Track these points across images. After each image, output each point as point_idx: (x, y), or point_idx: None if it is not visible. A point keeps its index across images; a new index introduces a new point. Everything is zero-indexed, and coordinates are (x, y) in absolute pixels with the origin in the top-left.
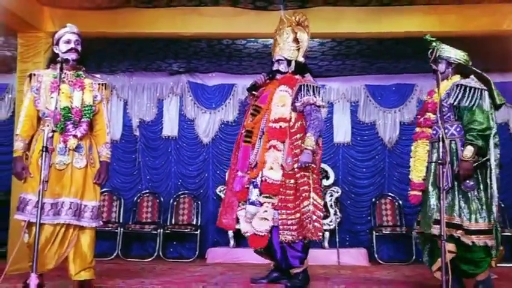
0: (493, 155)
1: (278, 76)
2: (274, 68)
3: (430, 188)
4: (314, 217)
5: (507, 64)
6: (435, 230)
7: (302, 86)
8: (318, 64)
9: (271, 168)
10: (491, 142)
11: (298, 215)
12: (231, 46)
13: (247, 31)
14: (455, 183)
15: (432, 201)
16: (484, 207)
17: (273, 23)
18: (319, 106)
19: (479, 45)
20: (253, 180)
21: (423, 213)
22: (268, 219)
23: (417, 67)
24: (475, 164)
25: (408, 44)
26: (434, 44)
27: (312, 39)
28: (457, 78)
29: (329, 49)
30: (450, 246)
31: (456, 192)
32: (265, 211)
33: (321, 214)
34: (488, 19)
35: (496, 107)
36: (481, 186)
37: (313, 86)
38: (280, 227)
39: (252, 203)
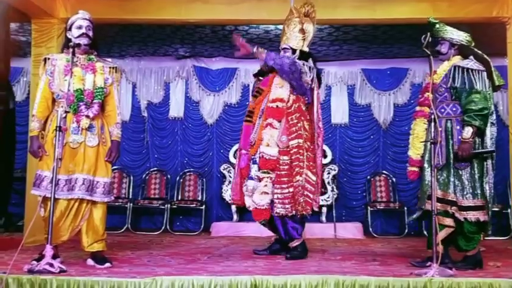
0: (489, 133)
1: None
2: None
3: (426, 165)
4: (305, 192)
5: (496, 49)
6: (428, 205)
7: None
8: (317, 49)
9: (268, 145)
10: (488, 121)
11: (291, 189)
12: (234, 32)
13: (249, 17)
14: (450, 161)
15: (428, 178)
16: (478, 184)
17: (274, 10)
18: (300, 69)
19: (471, 31)
20: (253, 156)
21: (421, 189)
22: (268, 193)
23: (410, 52)
24: (481, 155)
25: (402, 29)
26: (437, 25)
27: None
28: (457, 59)
29: (327, 35)
30: (448, 221)
31: (451, 170)
32: (265, 185)
33: (313, 189)
34: (479, 6)
35: (495, 88)
36: (475, 164)
37: (310, 67)
38: (276, 201)
39: (251, 178)
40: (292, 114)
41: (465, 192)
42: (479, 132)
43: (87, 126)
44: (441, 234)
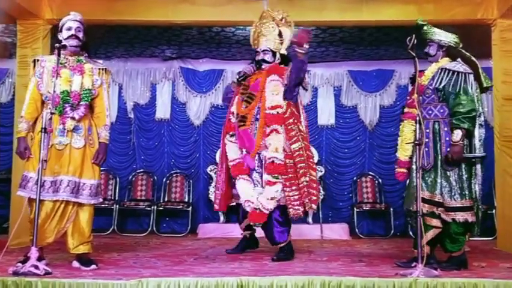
0: (477, 134)
1: (264, 65)
2: (260, 57)
3: (414, 167)
4: (310, 190)
5: (481, 51)
6: (415, 206)
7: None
8: None
9: (276, 151)
10: (476, 122)
11: (298, 192)
12: (220, 33)
13: (236, 19)
14: (438, 162)
15: (415, 179)
16: (465, 185)
17: (260, 12)
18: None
19: (457, 33)
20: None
21: (407, 191)
22: (276, 198)
23: (396, 54)
24: (473, 159)
25: (388, 32)
26: (425, 27)
27: (298, 27)
28: (445, 61)
29: (314, 36)
30: (435, 222)
31: (438, 171)
32: (276, 190)
33: (314, 185)
34: (464, 9)
35: (483, 89)
36: (463, 165)
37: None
38: (289, 204)
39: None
40: (288, 119)
41: (453, 193)
42: (468, 134)
43: (72, 128)
44: (429, 235)
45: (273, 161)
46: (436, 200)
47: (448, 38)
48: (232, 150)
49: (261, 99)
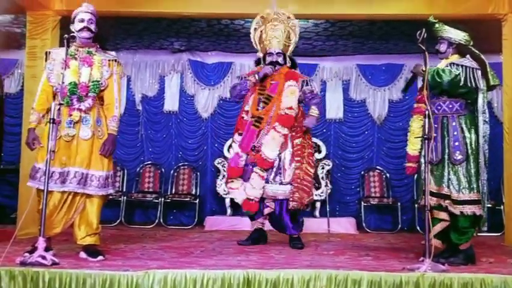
0: (482, 130)
1: (278, 67)
2: (274, 59)
3: (422, 161)
4: (304, 182)
5: (492, 46)
6: (423, 200)
7: (303, 81)
8: (313, 44)
9: (273, 150)
10: (481, 118)
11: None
12: (229, 26)
13: (245, 11)
14: (445, 156)
15: (423, 174)
16: (474, 178)
17: (270, 4)
18: (316, 93)
19: (467, 28)
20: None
21: (417, 185)
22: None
23: (406, 48)
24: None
25: (397, 26)
26: (437, 25)
27: (307, 20)
28: (454, 58)
29: (323, 30)
30: (443, 215)
31: (446, 165)
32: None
33: (310, 179)
34: (475, 3)
35: (490, 87)
36: (471, 159)
37: (310, 80)
38: (290, 198)
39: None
40: (297, 120)
41: (461, 187)
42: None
43: (77, 119)
44: (436, 228)
45: (265, 159)
46: (443, 192)
47: (458, 35)
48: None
49: (278, 102)
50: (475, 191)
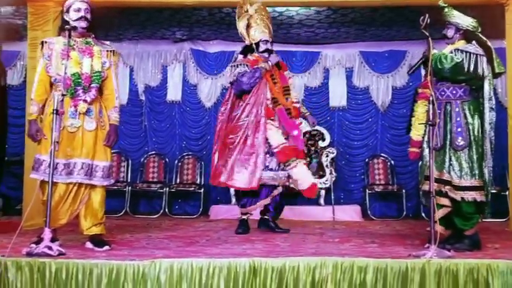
0: (488, 117)
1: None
2: (269, 47)
3: (425, 146)
4: None
5: (495, 31)
6: (426, 186)
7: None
8: (315, 32)
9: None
10: (487, 105)
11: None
12: (231, 14)
13: None
14: (447, 142)
15: (426, 159)
16: (476, 165)
17: None
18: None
19: (474, 12)
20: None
21: (421, 170)
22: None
23: (409, 34)
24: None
25: (400, 12)
26: (446, 9)
27: (309, 7)
28: (461, 44)
29: (325, 17)
30: (444, 201)
31: (447, 151)
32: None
33: None
34: None
35: (495, 75)
36: (473, 145)
37: None
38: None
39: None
40: None
41: (463, 173)
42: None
43: (84, 110)
44: (439, 214)
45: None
46: (444, 178)
47: (466, 22)
48: (276, 135)
49: (290, 94)
50: (477, 177)
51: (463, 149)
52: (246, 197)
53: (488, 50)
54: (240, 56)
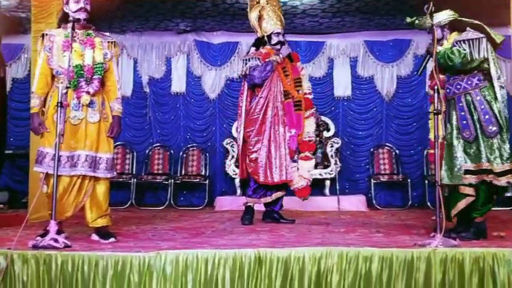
0: (500, 96)
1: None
2: (281, 39)
3: (455, 142)
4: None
5: (500, 19)
6: (466, 180)
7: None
8: (319, 21)
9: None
10: (496, 84)
11: None
12: (234, 5)
13: None
14: (478, 131)
15: (459, 153)
16: (508, 147)
17: None
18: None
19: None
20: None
21: (449, 166)
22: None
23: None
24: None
25: (404, 0)
26: (416, 22)
27: None
28: (455, 35)
29: (329, 6)
30: (468, 190)
31: (480, 140)
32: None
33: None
34: None
35: (497, 45)
36: (504, 128)
37: None
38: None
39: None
40: None
41: (503, 159)
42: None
43: (88, 102)
44: (461, 205)
45: (309, 141)
46: (484, 168)
47: (444, 16)
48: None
49: (302, 85)
50: (510, 161)
51: (496, 135)
52: (260, 188)
53: (479, 27)
54: (252, 49)
